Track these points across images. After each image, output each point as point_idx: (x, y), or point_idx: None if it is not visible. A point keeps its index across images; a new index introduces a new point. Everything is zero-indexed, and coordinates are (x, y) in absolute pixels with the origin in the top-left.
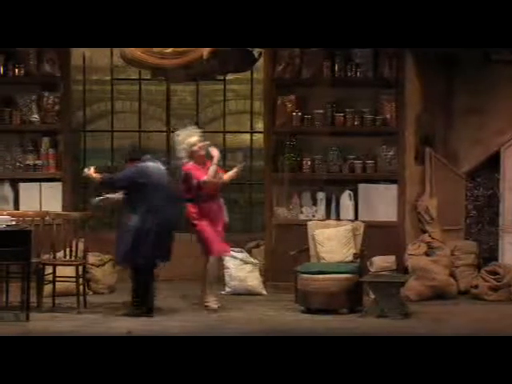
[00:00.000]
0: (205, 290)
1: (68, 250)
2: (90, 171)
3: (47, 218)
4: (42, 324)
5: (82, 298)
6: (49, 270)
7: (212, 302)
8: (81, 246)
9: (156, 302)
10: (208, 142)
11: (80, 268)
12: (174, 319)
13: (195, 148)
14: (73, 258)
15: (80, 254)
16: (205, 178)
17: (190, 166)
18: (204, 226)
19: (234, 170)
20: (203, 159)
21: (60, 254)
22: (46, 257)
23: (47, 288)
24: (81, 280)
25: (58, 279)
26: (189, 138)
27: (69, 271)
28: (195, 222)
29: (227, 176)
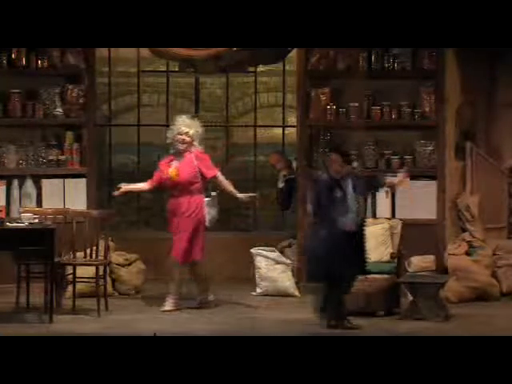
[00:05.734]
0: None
1: (89, 249)
2: None
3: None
4: (65, 326)
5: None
6: (70, 270)
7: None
8: (103, 245)
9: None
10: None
11: (101, 268)
12: (202, 320)
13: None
14: (93, 258)
15: (101, 253)
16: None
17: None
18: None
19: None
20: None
21: (81, 254)
22: (66, 256)
23: (69, 289)
24: (101, 281)
25: (78, 280)
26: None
27: (92, 271)
28: None
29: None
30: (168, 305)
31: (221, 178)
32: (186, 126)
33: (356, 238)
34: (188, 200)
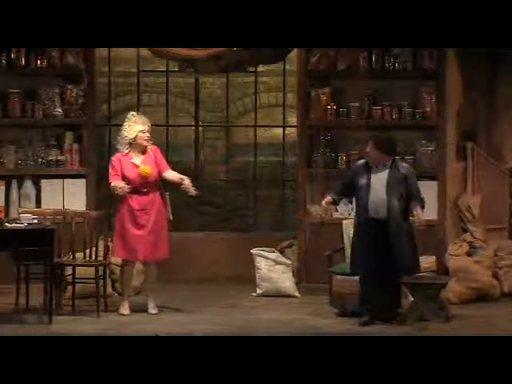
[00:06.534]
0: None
1: (88, 250)
2: None
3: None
4: (65, 327)
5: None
6: (69, 270)
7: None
8: (102, 245)
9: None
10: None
11: (100, 269)
12: (202, 321)
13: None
14: (93, 259)
15: (101, 254)
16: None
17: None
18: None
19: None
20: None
21: (81, 255)
22: (65, 257)
23: (69, 289)
24: (101, 281)
25: (77, 281)
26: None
27: (91, 272)
28: None
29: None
30: (127, 308)
31: (172, 171)
32: (144, 123)
33: (392, 232)
34: (158, 196)
